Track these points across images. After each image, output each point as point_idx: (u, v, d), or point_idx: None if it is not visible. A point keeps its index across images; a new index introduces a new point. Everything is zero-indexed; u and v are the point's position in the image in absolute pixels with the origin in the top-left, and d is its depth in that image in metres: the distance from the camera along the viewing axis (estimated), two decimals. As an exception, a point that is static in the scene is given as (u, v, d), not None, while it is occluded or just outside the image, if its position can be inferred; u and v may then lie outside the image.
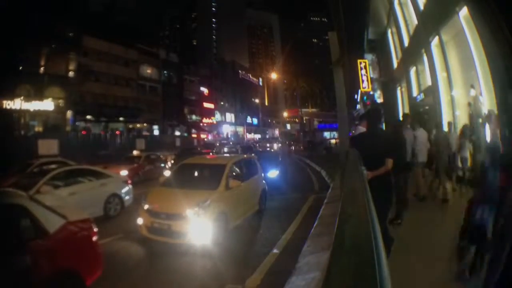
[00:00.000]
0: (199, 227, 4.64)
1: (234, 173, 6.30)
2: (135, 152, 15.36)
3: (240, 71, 60.07)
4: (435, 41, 10.23)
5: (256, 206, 6.61)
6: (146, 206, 5.11)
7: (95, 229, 3.52)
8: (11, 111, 21.85)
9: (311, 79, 74.97)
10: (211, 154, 16.06)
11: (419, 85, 13.55)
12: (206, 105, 45.60)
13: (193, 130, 41.10)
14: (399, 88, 18.29)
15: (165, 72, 37.43)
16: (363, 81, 19.73)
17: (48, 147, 16.67)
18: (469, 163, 6.47)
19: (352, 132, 8.37)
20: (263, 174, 7.65)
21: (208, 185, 5.44)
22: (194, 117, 43.19)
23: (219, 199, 5.15)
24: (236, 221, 5.54)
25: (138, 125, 33.00)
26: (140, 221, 5.09)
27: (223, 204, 5.16)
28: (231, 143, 33.81)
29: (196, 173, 6.63)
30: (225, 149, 21.59)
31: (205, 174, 6.33)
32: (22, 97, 22.22)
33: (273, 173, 10.07)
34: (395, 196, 4.79)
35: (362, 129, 4.43)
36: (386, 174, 3.40)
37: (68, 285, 2.98)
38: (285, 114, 72.65)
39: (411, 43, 13.57)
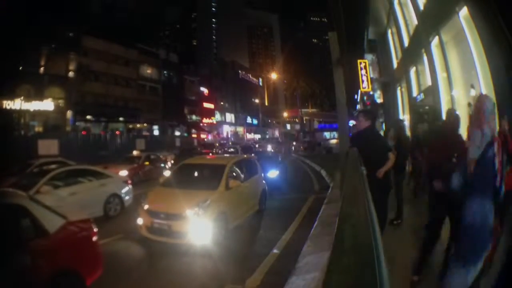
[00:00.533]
0: (199, 227, 4.64)
1: (234, 173, 6.31)
2: (135, 152, 15.34)
3: (240, 71, 60.05)
4: (435, 41, 10.22)
5: (256, 206, 6.61)
6: (146, 206, 5.11)
7: (95, 229, 3.52)
8: (11, 111, 21.86)
9: (311, 79, 74.89)
10: (210, 154, 16.06)
11: (419, 85, 13.54)
12: (206, 105, 45.57)
13: (193, 130, 41.07)
14: (399, 88, 18.28)
15: (165, 72, 37.40)
16: (363, 81, 19.66)
17: (48, 147, 16.65)
18: None
19: (353, 132, 8.37)
20: (263, 174, 7.65)
21: (208, 185, 5.45)
22: (194, 117, 43.17)
23: (219, 199, 5.15)
24: (236, 221, 5.54)
25: (138, 125, 32.98)
26: (140, 221, 5.08)
27: (223, 204, 5.17)
28: (230, 143, 33.74)
29: (196, 173, 6.63)
30: (225, 149, 21.59)
31: (205, 174, 6.33)
32: (22, 97, 22.23)
33: (273, 173, 10.06)
34: (396, 196, 4.81)
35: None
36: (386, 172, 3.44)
37: (68, 285, 2.99)
38: (285, 114, 72.60)
39: (411, 43, 13.55)
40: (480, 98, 2.30)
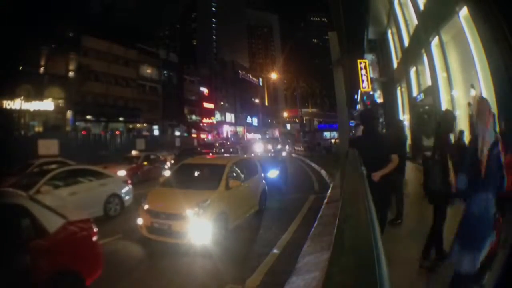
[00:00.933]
0: (199, 227, 4.64)
1: (234, 173, 6.31)
2: (133, 152, 15.31)
3: (240, 71, 59.98)
4: (435, 41, 10.23)
5: (256, 206, 6.61)
6: (146, 206, 5.11)
7: (95, 229, 3.52)
8: (11, 111, 21.84)
9: (311, 79, 74.92)
10: (210, 154, 16.05)
11: (419, 85, 13.54)
12: (206, 105, 45.54)
13: (193, 130, 41.04)
14: (399, 88, 18.28)
15: (165, 72, 37.37)
16: (363, 81, 19.66)
17: (48, 147, 16.62)
18: None
19: (352, 132, 8.36)
20: (263, 174, 7.64)
21: (208, 185, 5.44)
22: (194, 117, 43.13)
23: (219, 199, 5.15)
24: (236, 221, 5.54)
25: (138, 125, 32.96)
26: (140, 221, 5.09)
27: (223, 204, 5.17)
28: (228, 143, 33.71)
29: (196, 173, 6.63)
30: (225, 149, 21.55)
31: (205, 174, 6.34)
32: (22, 97, 22.20)
33: (273, 173, 10.06)
34: (395, 195, 4.80)
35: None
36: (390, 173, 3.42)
37: (68, 285, 2.99)
38: (285, 114, 72.54)
39: (411, 43, 13.56)
40: (483, 101, 2.47)
